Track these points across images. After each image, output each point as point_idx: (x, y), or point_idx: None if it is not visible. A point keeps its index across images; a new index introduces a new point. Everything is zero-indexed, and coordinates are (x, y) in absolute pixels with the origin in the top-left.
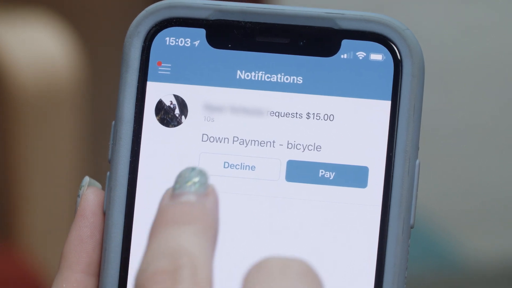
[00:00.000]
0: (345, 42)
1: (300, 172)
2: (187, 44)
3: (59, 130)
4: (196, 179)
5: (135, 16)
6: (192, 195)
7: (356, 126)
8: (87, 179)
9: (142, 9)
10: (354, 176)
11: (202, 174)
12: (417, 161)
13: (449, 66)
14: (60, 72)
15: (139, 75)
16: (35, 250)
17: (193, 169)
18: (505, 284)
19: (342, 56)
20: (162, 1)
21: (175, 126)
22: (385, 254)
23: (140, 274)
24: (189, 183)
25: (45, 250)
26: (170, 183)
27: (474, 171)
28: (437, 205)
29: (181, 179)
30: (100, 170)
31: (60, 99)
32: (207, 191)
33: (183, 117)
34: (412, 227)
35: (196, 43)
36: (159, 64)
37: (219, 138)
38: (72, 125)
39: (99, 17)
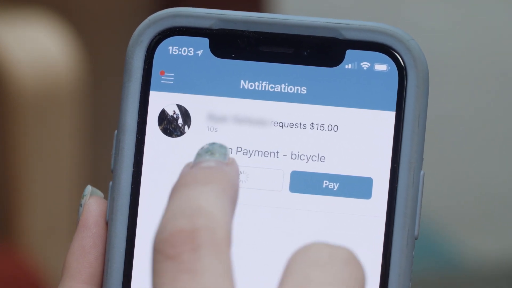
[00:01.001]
0: (349, 52)
1: (304, 183)
2: (190, 53)
3: (59, 130)
4: (216, 151)
5: (135, 16)
6: (212, 161)
7: (360, 137)
8: (89, 188)
9: (142, 9)
10: (358, 187)
11: (223, 146)
12: (422, 172)
13: (443, 62)
14: (60, 72)
15: (141, 85)
16: (35, 250)
17: (213, 143)
18: (504, 284)
19: (346, 66)
20: (165, 10)
21: (178, 136)
22: (389, 266)
23: (158, 234)
24: (209, 153)
25: (45, 250)
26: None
27: (474, 170)
28: (436, 205)
29: (201, 150)
30: (100, 170)
31: (60, 99)
32: (227, 161)
33: (186, 127)
34: (416, 238)
35: (200, 52)
36: (162, 73)
37: None
38: (72, 125)
39: (99, 17)
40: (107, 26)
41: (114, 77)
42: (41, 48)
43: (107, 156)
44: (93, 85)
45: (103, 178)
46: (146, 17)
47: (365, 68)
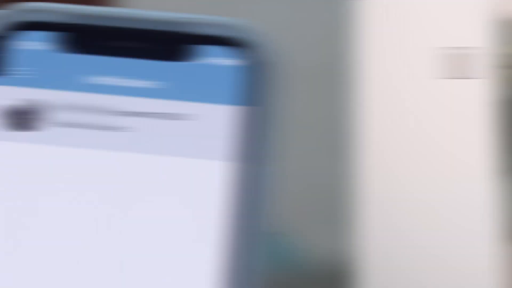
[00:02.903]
0: (199, 47)
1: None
2: (39, 47)
3: None
4: None
5: None
6: None
7: (210, 131)
8: None
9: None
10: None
11: None
12: (272, 167)
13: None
14: None
15: None
16: None
17: None
18: (334, 281)
19: (196, 61)
20: (16, 4)
21: (24, 130)
22: (237, 261)
23: None
24: None
25: None
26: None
27: (299, 171)
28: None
29: None
30: None
31: None
32: None
33: (32, 121)
34: (265, 234)
35: (49, 47)
36: (10, 67)
37: None
38: None
39: None
40: None
41: None
42: None
43: None
44: None
45: None
46: None
47: (215, 63)
